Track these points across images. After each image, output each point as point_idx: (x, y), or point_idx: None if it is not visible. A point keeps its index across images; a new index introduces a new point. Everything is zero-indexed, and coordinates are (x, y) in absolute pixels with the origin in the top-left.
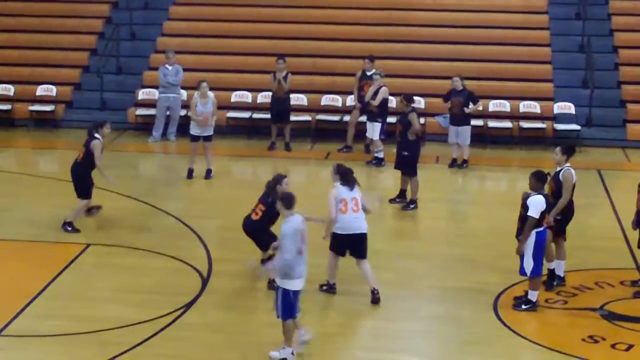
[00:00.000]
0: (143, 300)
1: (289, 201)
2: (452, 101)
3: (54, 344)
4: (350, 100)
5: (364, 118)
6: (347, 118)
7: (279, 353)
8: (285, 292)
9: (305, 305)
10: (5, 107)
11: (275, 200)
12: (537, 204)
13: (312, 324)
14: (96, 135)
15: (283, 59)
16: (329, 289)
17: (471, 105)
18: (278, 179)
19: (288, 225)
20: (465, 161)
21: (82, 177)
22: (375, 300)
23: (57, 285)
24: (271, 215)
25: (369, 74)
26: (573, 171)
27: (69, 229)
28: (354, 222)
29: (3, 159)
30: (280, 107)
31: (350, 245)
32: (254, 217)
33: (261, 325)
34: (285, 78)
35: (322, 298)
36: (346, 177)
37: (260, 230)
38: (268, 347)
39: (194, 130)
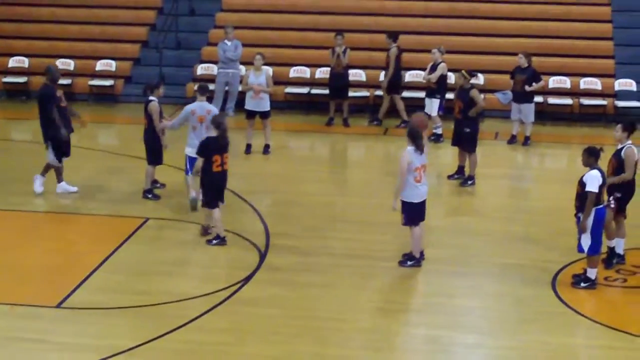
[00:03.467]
0: (201, 274)
1: (202, 89)
2: (516, 78)
3: (112, 317)
4: (409, 76)
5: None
6: (405, 94)
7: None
8: (185, 156)
9: (366, 281)
10: (66, 81)
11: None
12: (593, 179)
13: (370, 299)
14: (151, 97)
15: (341, 34)
16: (416, 262)
17: (534, 84)
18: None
19: (191, 105)
20: (527, 138)
21: (150, 143)
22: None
23: (116, 258)
24: None
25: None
26: (635, 149)
27: (149, 196)
28: (423, 188)
29: None
30: (338, 83)
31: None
32: (226, 167)
33: (317, 300)
34: (343, 53)
35: (381, 274)
36: (416, 142)
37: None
38: (324, 322)
39: (248, 105)
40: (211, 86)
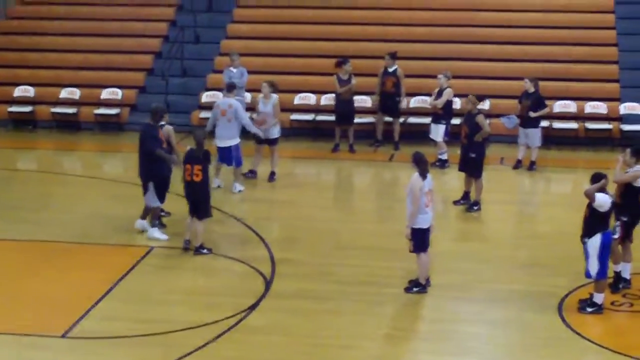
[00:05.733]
0: (206, 302)
1: (229, 87)
2: (522, 103)
3: (118, 346)
4: (415, 102)
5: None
6: (411, 120)
7: None
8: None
9: (372, 307)
10: (71, 110)
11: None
12: (600, 198)
13: (376, 325)
14: (164, 122)
15: (348, 61)
16: (422, 289)
17: (538, 110)
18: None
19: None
20: (533, 163)
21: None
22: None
23: (121, 287)
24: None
25: (390, 70)
26: None
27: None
28: (430, 214)
29: (69, 162)
30: (344, 109)
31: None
32: (196, 179)
33: (324, 327)
34: (349, 80)
35: (387, 301)
36: (421, 167)
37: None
38: (330, 349)
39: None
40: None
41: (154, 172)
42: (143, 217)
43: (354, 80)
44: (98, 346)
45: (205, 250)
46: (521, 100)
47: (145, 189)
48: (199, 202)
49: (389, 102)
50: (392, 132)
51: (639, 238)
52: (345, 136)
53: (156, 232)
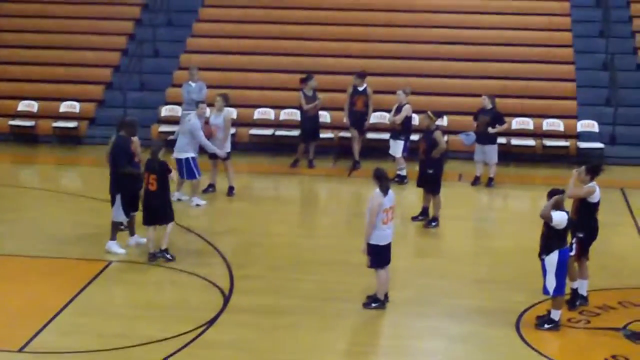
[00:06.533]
0: (165, 317)
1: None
2: (479, 119)
3: None
4: (374, 118)
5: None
6: (370, 135)
7: None
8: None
9: (331, 323)
10: (29, 123)
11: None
12: (556, 217)
13: (335, 341)
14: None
15: (312, 77)
16: (381, 304)
17: (497, 126)
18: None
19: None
20: (491, 179)
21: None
22: None
23: (79, 301)
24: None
25: (360, 89)
26: (598, 190)
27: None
28: (389, 231)
29: (26, 175)
30: (311, 126)
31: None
32: (151, 188)
33: (282, 342)
34: (314, 96)
35: (346, 316)
36: (382, 182)
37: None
38: None
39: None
40: (175, 128)
41: (123, 186)
42: (113, 237)
43: (320, 97)
44: None
45: (169, 256)
46: (477, 117)
47: (113, 202)
48: (156, 210)
49: (360, 121)
50: (352, 148)
51: (594, 255)
52: (306, 151)
53: (114, 246)
